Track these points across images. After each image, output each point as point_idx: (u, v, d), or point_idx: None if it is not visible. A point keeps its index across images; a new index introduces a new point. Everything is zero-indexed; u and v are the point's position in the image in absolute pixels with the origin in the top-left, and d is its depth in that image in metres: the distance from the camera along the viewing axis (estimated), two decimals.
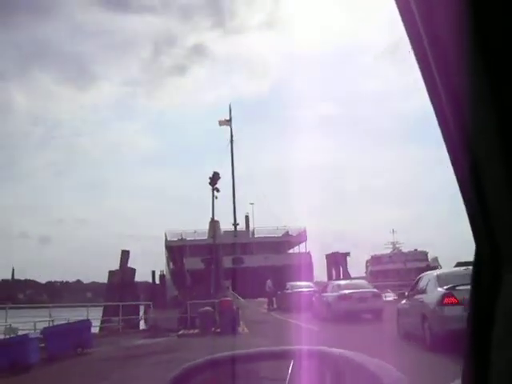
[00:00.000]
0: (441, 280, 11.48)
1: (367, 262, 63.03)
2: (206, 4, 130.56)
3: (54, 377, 13.01)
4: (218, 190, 28.03)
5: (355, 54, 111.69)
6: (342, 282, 22.47)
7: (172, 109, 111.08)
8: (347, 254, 45.91)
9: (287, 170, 75.68)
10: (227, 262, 54.03)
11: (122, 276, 29.67)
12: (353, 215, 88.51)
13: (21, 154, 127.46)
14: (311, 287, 27.96)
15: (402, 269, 48.32)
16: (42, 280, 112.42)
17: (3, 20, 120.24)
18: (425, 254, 55.64)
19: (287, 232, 57.16)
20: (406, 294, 14.05)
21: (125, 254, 30.62)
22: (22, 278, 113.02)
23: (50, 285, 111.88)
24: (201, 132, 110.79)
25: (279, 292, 31.31)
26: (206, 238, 55.20)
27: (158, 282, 47.65)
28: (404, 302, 13.72)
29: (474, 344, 0.85)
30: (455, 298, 10.24)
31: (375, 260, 61.74)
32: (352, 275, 44.76)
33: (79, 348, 16.78)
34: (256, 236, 58.13)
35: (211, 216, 61.44)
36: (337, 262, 44.66)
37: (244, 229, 59.68)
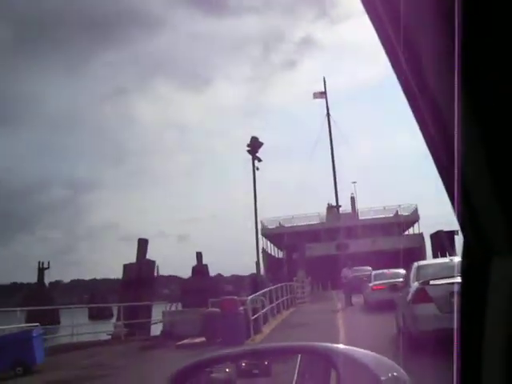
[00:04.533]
0: (420, 272, 10.21)
1: None
2: None
3: None
4: (259, 160, 22.82)
5: None
6: (383, 272, 21.54)
7: (288, 102, 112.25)
8: (454, 232, 37.55)
9: (397, 150, 70.04)
10: (331, 248, 48.47)
11: (139, 270, 25.07)
12: None
13: (156, 159, 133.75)
14: (368, 272, 25.95)
15: None
16: (184, 275, 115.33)
17: (120, 37, 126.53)
18: None
19: (397, 212, 49.86)
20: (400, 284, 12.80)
21: (142, 244, 25.94)
22: (166, 274, 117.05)
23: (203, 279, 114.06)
24: (316, 122, 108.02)
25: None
26: (303, 224, 50.18)
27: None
28: (400, 294, 11.68)
29: (466, 339, 0.84)
30: (428, 295, 8.96)
31: None
32: None
33: (18, 368, 12.90)
34: (361, 218, 51.59)
35: (329, 202, 57.11)
36: (442, 242, 36.86)
37: (348, 211, 53.52)
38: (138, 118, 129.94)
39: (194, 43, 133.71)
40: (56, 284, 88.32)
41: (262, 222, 51.73)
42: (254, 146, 21.88)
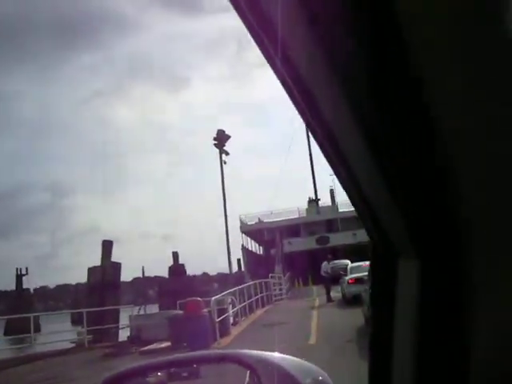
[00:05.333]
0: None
1: None
2: None
3: None
4: (227, 153, 21.93)
5: None
6: (359, 264, 20.29)
7: (265, 99, 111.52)
8: None
9: None
10: (311, 243, 47.78)
11: (103, 274, 23.77)
12: None
13: (135, 160, 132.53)
14: (345, 265, 24.50)
15: None
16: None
17: (94, 40, 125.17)
18: None
19: None
20: None
21: (106, 246, 24.55)
22: (152, 275, 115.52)
23: (179, 279, 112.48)
24: (295, 117, 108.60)
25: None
26: (283, 218, 49.41)
27: None
28: (366, 287, 13.04)
29: (377, 335, 0.88)
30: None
31: None
32: None
33: None
34: (341, 211, 50.85)
35: (309, 196, 56.38)
36: None
37: (327, 204, 52.86)
38: (116, 120, 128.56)
39: (170, 43, 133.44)
40: (41, 290, 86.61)
41: (240, 218, 51.04)
42: (221, 139, 20.96)
